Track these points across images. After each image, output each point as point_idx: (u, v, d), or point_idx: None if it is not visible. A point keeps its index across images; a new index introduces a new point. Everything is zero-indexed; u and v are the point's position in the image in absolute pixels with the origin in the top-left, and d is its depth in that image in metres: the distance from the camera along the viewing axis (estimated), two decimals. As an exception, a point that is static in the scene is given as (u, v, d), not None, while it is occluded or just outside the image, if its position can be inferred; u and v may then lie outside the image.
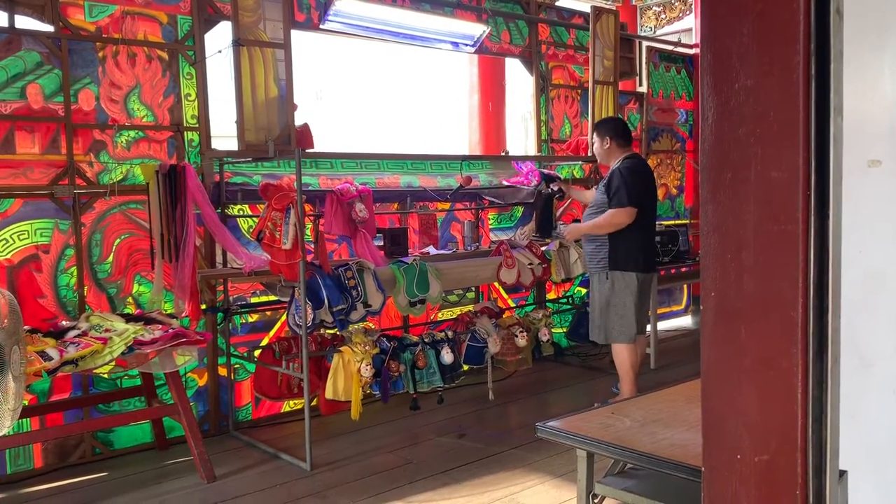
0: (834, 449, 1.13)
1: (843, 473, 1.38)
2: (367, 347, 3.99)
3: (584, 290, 6.13)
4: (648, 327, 5.01)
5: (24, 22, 3.63)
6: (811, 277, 1.10)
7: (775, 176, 1.11)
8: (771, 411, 1.14)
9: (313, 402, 4.07)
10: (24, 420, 3.57)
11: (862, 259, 1.39)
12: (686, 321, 7.18)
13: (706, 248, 1.20)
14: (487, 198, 5.54)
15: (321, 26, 4.62)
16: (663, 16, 7.79)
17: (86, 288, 3.81)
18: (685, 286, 7.12)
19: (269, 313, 4.51)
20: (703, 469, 1.24)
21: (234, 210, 4.31)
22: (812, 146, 1.08)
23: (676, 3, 7.67)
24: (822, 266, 1.11)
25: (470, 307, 5.12)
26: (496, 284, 5.26)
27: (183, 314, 3.78)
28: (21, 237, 3.63)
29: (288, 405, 4.54)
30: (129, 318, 3.57)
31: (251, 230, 4.23)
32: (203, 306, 4.09)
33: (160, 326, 3.50)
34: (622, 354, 4.43)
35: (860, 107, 1.30)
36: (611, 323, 4.40)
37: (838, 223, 1.11)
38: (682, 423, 2.29)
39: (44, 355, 3.05)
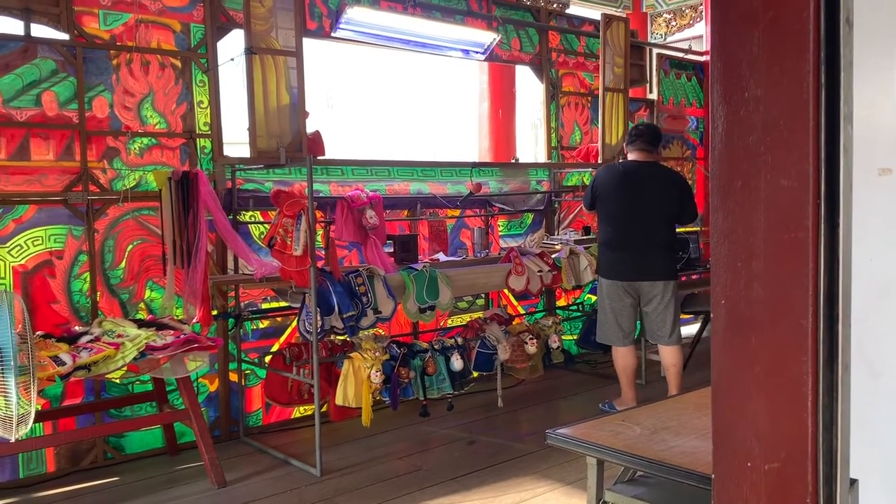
0: (844, 457, 1.13)
1: (853, 482, 1.38)
2: (377, 354, 4.00)
3: (593, 298, 6.12)
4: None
5: (39, 30, 3.67)
6: (821, 285, 1.10)
7: (785, 184, 1.12)
8: (781, 419, 1.14)
9: (323, 409, 4.08)
10: (37, 424, 3.59)
11: (873, 267, 1.39)
12: (696, 329, 7.14)
13: (716, 255, 1.20)
14: (497, 204, 5.55)
15: (333, 34, 4.65)
16: (674, 23, 7.79)
17: (98, 293, 3.84)
18: (696, 294, 7.08)
19: (279, 319, 4.53)
20: (713, 477, 1.24)
21: (246, 217, 4.34)
22: (822, 155, 1.09)
23: (687, 11, 7.68)
24: (832, 274, 1.11)
25: (480, 314, 5.13)
26: (506, 291, 5.26)
27: (194, 320, 3.80)
28: (35, 243, 3.66)
29: (298, 411, 4.56)
30: (141, 324, 3.60)
31: (262, 237, 4.25)
32: (214, 312, 4.11)
33: (172, 332, 3.52)
34: (614, 357, 4.65)
35: (870, 115, 1.30)
36: (599, 324, 4.67)
37: (848, 231, 1.11)
38: (692, 431, 2.28)
39: (57, 360, 3.08)
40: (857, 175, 1.13)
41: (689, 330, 7.08)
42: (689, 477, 1.96)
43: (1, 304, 2.94)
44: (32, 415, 2.92)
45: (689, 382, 4.52)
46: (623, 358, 4.57)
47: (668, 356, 4.56)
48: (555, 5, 6.11)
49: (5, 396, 2.87)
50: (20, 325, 2.93)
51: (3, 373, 2.88)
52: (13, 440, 2.96)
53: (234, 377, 4.29)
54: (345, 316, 3.84)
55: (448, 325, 5.20)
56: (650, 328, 4.58)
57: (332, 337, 4.19)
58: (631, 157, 4.53)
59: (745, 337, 1.17)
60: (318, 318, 3.75)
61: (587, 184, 6.06)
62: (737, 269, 1.18)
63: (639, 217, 4.41)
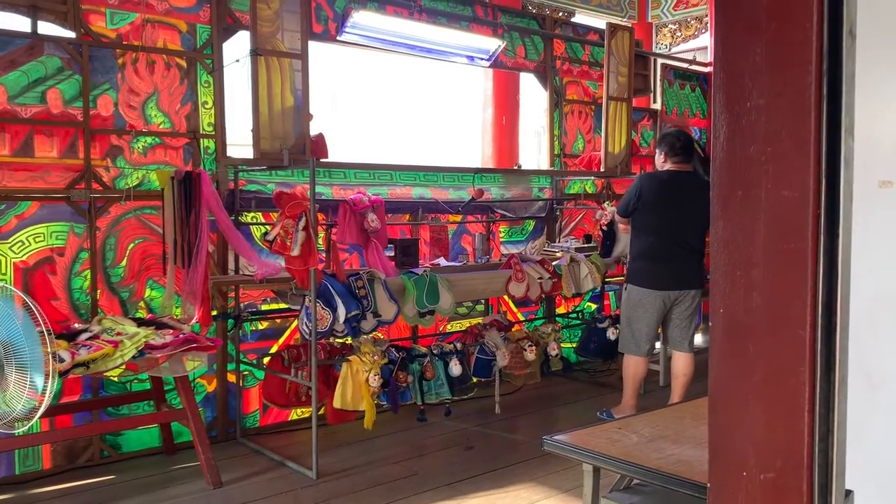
0: (840, 468, 1.13)
1: (849, 493, 1.38)
2: (375, 357, 4.00)
3: (593, 306, 6.12)
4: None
5: (46, 28, 3.68)
6: (820, 296, 1.11)
7: (786, 195, 1.12)
8: (777, 429, 1.14)
9: (321, 411, 4.08)
10: (34, 421, 3.60)
11: (872, 279, 1.39)
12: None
13: (716, 264, 1.20)
14: (499, 211, 5.55)
15: (338, 38, 4.66)
16: (679, 34, 7.81)
17: (99, 291, 3.84)
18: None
19: (278, 321, 4.53)
20: (708, 485, 1.24)
21: (248, 218, 4.34)
22: (823, 166, 1.09)
23: (692, 22, 7.70)
24: (830, 285, 1.11)
25: (479, 319, 5.12)
26: (506, 297, 5.26)
27: (193, 320, 3.80)
28: (37, 239, 3.67)
29: (295, 413, 4.55)
30: (140, 322, 3.60)
31: (263, 238, 4.25)
32: (214, 312, 4.12)
33: (171, 331, 3.52)
34: (626, 365, 4.62)
35: (872, 128, 1.31)
36: (623, 333, 4.64)
37: (848, 243, 1.11)
38: (688, 440, 2.28)
39: (55, 357, 3.08)
40: (857, 187, 1.13)
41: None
42: (685, 485, 1.96)
43: (9, 299, 2.95)
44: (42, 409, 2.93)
45: (689, 392, 4.53)
46: (637, 366, 4.57)
47: (682, 364, 4.58)
48: (560, 14, 6.13)
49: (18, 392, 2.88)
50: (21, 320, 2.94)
51: (17, 368, 2.88)
52: (17, 433, 2.97)
53: (232, 378, 4.29)
54: (349, 315, 3.84)
55: (447, 331, 5.20)
56: (672, 335, 4.61)
57: (331, 339, 4.19)
58: (671, 166, 4.50)
59: (742, 346, 1.18)
60: (327, 317, 3.76)
61: (589, 192, 6.09)
62: (736, 278, 1.18)
63: (683, 228, 4.43)
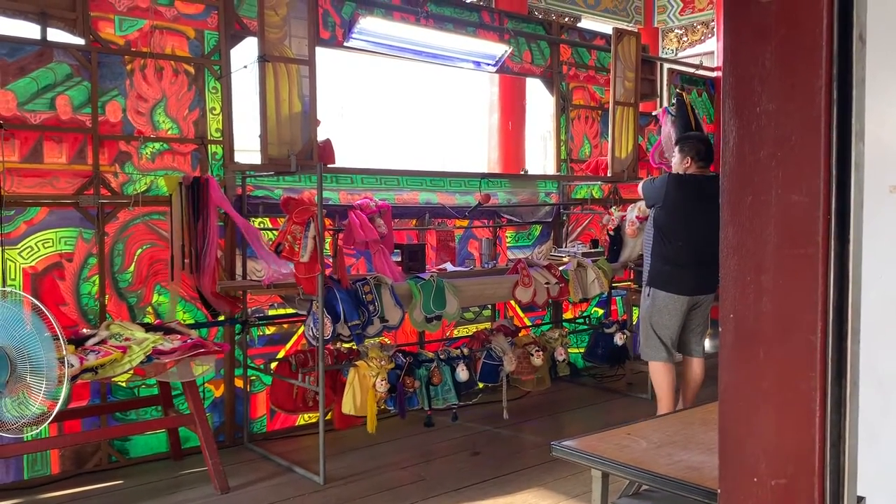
0: (852, 474, 1.12)
1: (861, 499, 1.37)
2: (382, 362, 3.99)
3: (600, 311, 6.11)
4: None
5: (55, 35, 3.71)
6: (830, 301, 1.10)
7: (796, 199, 1.12)
8: (788, 434, 1.14)
9: (328, 416, 4.07)
10: (43, 426, 3.60)
11: (882, 284, 1.38)
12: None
13: (726, 269, 1.20)
14: (506, 216, 5.55)
15: (345, 44, 4.67)
16: (685, 39, 7.81)
17: (107, 297, 3.86)
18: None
19: (286, 326, 4.54)
20: (718, 491, 1.23)
21: (255, 223, 4.35)
22: (833, 170, 1.09)
23: (699, 27, 7.70)
24: (841, 290, 1.11)
25: (486, 325, 5.12)
26: (512, 303, 5.25)
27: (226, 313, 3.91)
28: (46, 245, 3.68)
29: (303, 418, 4.55)
30: (148, 328, 3.61)
31: (271, 243, 4.26)
32: (220, 317, 4.14)
33: (179, 336, 3.53)
34: (655, 374, 4.48)
35: (882, 133, 1.30)
36: (643, 338, 4.51)
37: (858, 248, 1.11)
38: (698, 446, 2.28)
39: (64, 362, 3.09)
40: (867, 192, 1.13)
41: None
42: (695, 491, 1.95)
43: (18, 305, 2.96)
44: (52, 416, 2.94)
45: (698, 397, 4.50)
46: (670, 373, 4.43)
47: (695, 369, 4.52)
48: (567, 19, 6.13)
49: (27, 397, 2.89)
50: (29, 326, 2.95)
51: (30, 373, 2.89)
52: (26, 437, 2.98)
53: (239, 383, 4.30)
54: (350, 324, 3.84)
55: (454, 336, 5.20)
56: (688, 339, 4.54)
57: (339, 344, 4.19)
58: (695, 171, 4.42)
59: (753, 351, 1.17)
60: (327, 324, 3.76)
61: (596, 197, 6.08)
62: (746, 283, 1.18)
63: (708, 232, 4.33)
